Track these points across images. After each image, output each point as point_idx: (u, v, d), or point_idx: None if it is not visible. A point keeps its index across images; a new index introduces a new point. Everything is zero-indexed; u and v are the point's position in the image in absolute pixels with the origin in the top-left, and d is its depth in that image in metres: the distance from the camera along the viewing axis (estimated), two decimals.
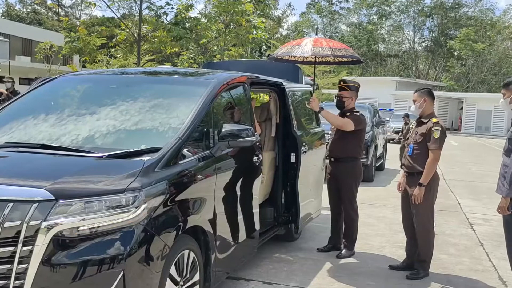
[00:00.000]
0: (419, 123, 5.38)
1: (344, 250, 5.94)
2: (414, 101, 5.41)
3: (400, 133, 12.34)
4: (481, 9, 58.69)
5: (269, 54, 6.85)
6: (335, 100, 6.23)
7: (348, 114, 5.91)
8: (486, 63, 53.55)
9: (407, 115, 11.91)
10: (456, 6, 58.76)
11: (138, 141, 3.89)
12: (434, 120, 5.23)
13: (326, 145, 7.87)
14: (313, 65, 6.69)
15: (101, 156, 3.53)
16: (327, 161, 6.14)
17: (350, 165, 5.90)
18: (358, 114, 5.93)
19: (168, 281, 3.48)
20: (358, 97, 6.18)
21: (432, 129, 5.15)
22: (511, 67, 53.20)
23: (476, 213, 8.91)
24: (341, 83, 6.04)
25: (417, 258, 5.40)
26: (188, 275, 3.75)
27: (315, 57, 6.33)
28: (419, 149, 5.24)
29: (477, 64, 53.88)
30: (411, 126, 5.79)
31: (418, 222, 5.30)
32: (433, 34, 61.53)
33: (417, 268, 5.36)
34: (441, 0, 58.37)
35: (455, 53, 56.17)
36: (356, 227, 6.01)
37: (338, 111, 6.06)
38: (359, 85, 6.19)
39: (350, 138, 5.82)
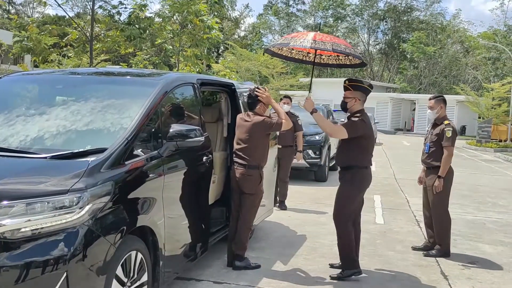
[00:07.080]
0: (434, 125, 6.28)
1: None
2: (431, 107, 6.21)
3: None
4: (432, 13, 60.34)
5: (267, 48, 6.01)
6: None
7: (349, 117, 5.32)
8: (437, 65, 55.07)
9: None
10: (408, 10, 60.21)
11: (84, 141, 3.85)
12: (446, 122, 6.16)
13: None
14: (312, 66, 5.82)
15: (45, 157, 3.48)
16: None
17: (353, 173, 5.23)
18: (357, 119, 5.19)
19: (115, 282, 3.46)
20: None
21: (445, 129, 6.09)
22: (460, 69, 54.96)
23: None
24: (346, 82, 5.34)
25: (437, 242, 6.30)
26: (136, 276, 3.74)
27: (315, 57, 5.66)
28: (434, 147, 6.16)
29: (429, 66, 55.36)
30: (427, 129, 6.59)
31: (434, 210, 6.22)
32: (387, 37, 62.87)
33: (436, 249, 6.28)
34: (394, 4, 59.77)
35: (408, 56, 57.54)
36: None
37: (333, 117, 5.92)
38: (370, 86, 5.36)
39: (352, 145, 5.20)
